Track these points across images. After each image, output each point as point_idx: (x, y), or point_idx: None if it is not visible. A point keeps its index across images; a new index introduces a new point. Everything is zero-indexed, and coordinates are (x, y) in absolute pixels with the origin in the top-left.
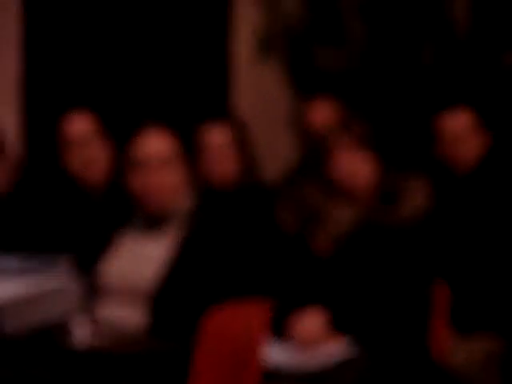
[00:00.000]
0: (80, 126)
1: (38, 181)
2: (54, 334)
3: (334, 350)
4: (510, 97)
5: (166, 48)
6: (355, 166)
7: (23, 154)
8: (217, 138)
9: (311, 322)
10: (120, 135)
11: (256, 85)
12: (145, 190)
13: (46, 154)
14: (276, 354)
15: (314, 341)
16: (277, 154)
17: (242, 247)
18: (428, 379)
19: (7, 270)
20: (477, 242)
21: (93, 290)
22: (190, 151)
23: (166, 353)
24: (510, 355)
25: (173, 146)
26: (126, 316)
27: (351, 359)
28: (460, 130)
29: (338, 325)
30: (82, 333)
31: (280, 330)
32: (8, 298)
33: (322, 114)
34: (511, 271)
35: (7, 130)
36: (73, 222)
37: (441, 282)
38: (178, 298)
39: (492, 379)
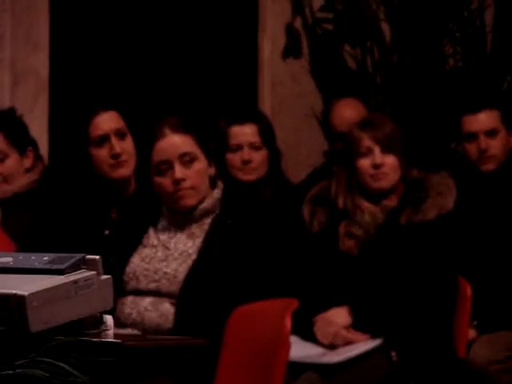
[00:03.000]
0: (105, 123)
1: (65, 178)
2: (85, 326)
3: (358, 348)
4: None
5: (193, 50)
6: (382, 163)
7: (49, 150)
8: (244, 136)
9: (336, 320)
10: (147, 134)
11: (281, 86)
12: (171, 188)
13: (72, 153)
14: (299, 351)
15: (339, 339)
16: (301, 151)
17: (268, 244)
18: (451, 375)
19: (34, 266)
20: (502, 238)
21: (121, 286)
22: (219, 148)
23: (193, 349)
24: None
25: (197, 142)
26: (151, 311)
27: (374, 351)
28: (486, 128)
29: (363, 324)
30: (110, 328)
31: (305, 328)
32: (36, 292)
33: (347, 113)
34: None
35: (35, 128)
36: (100, 218)
37: (465, 279)
38: (204, 295)
39: None
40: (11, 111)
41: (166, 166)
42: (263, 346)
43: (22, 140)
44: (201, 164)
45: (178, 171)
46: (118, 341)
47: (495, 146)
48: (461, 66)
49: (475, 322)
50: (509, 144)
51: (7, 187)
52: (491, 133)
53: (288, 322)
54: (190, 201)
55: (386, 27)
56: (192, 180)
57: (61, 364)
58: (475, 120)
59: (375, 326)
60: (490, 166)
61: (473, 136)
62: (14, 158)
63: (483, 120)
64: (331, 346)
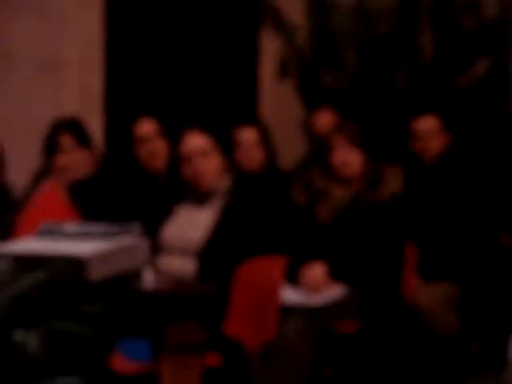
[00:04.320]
0: (146, 127)
1: (117, 168)
2: (128, 279)
3: (332, 292)
4: (464, 108)
5: (211, 71)
6: (349, 157)
7: (105, 147)
8: (248, 137)
9: (315, 271)
10: (175, 134)
11: (276, 99)
12: (193, 175)
13: (124, 148)
14: (289, 295)
15: (318, 285)
16: (290, 148)
17: (266, 216)
18: (400, 316)
19: (95, 233)
20: (439, 213)
21: (156, 247)
22: (228, 146)
23: (211, 294)
24: (464, 299)
25: (210, 142)
26: (180, 266)
27: (345, 298)
28: (429, 130)
29: (336, 274)
30: (148, 279)
31: (293, 277)
32: (95, 253)
33: (324, 120)
34: (465, 236)
35: (94, 131)
36: (143, 198)
37: (411, 243)
38: (219, 253)
39: (450, 317)
40: (75, 119)
41: (191, 158)
42: (262, 291)
43: (85, 139)
44: (216, 158)
45: (199, 162)
46: (155, 289)
47: (434, 143)
48: (408, 86)
49: (420, 275)
50: (447, 141)
51: (77, 176)
52: (431, 133)
53: (280, 274)
54: (207, 185)
55: (352, 57)
56: (208, 169)
57: (112, 305)
58: (420, 123)
59: (345, 277)
60: (432, 160)
61: (417, 135)
62: (80, 153)
63: (425, 123)
64: (312, 292)
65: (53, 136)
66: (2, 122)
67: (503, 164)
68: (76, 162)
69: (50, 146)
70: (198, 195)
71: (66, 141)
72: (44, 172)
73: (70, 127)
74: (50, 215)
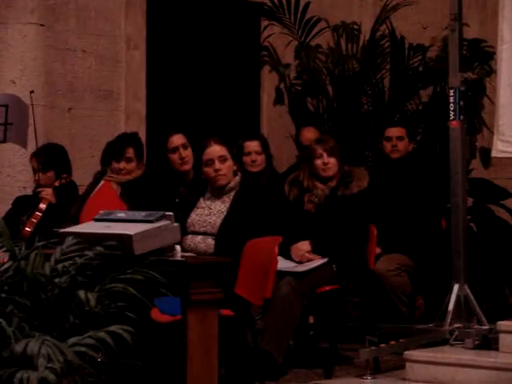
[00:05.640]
0: (177, 140)
1: (156, 171)
2: (164, 251)
3: (315, 262)
4: (412, 125)
5: (225, 99)
6: (327, 162)
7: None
8: (253, 146)
9: (303, 247)
10: (197, 145)
11: (273, 119)
12: (214, 174)
13: (160, 155)
14: (283, 264)
15: (304, 257)
16: (283, 155)
17: (266, 206)
18: (364, 278)
19: (138, 218)
20: (396, 201)
21: (184, 229)
22: (238, 153)
23: (225, 263)
24: (414, 266)
25: (226, 149)
26: (201, 243)
27: (324, 265)
28: (397, 135)
29: (318, 249)
30: (178, 252)
31: (286, 252)
32: (138, 232)
33: (308, 135)
34: (415, 219)
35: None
36: (174, 192)
37: (374, 224)
38: (231, 233)
39: (403, 281)
40: (136, 134)
41: (211, 162)
42: (263, 261)
43: (141, 151)
44: (229, 162)
45: (217, 165)
46: (183, 259)
47: (401, 145)
48: (370, 110)
49: (380, 247)
50: (408, 146)
51: (129, 177)
52: (400, 138)
53: (276, 249)
54: (223, 182)
55: (329, 88)
56: (224, 170)
57: (151, 272)
58: (392, 130)
59: (324, 251)
60: (396, 155)
61: (389, 139)
62: (135, 162)
63: (395, 131)
64: (300, 262)
65: (121, 145)
66: (72, 138)
67: (442, 166)
68: (131, 167)
69: (118, 153)
70: (215, 190)
71: (130, 150)
72: (101, 174)
73: (134, 140)
74: (106, 206)
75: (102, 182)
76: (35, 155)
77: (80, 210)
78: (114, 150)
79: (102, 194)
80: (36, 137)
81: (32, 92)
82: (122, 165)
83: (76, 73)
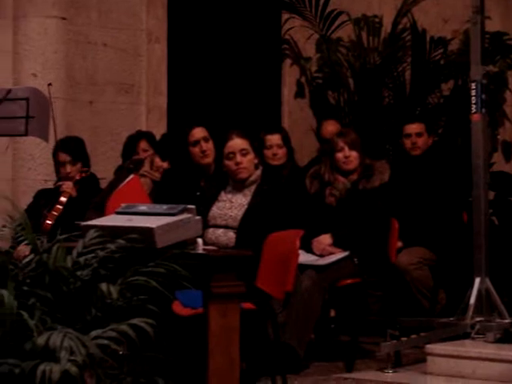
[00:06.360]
0: (198, 133)
1: (180, 164)
2: (186, 244)
3: (335, 256)
4: (437, 117)
5: (247, 93)
6: (349, 155)
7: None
8: (274, 140)
9: (324, 241)
10: (219, 138)
11: (294, 112)
12: (235, 167)
13: (182, 149)
14: (304, 257)
15: (325, 251)
16: (305, 149)
17: (287, 200)
18: (386, 271)
19: (160, 211)
20: (418, 195)
21: (206, 222)
22: (260, 146)
23: (247, 256)
24: (435, 259)
25: (248, 142)
26: (222, 236)
27: (345, 258)
28: (416, 132)
29: (339, 243)
30: (200, 245)
31: (307, 245)
32: (160, 225)
33: (329, 128)
34: (436, 213)
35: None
36: (196, 185)
37: (395, 218)
38: (252, 227)
39: (424, 275)
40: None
41: (232, 155)
42: (284, 255)
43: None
44: (250, 155)
45: (238, 158)
46: (205, 252)
47: (420, 141)
48: (392, 103)
49: (402, 240)
50: (428, 141)
51: (158, 175)
52: (419, 134)
53: (298, 242)
54: (244, 175)
55: (351, 81)
56: (245, 164)
57: (173, 265)
58: (411, 127)
59: (346, 244)
60: (416, 152)
61: (408, 135)
62: (159, 159)
63: (414, 127)
64: (321, 256)
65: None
66: (93, 132)
67: (464, 159)
68: (167, 166)
69: (165, 151)
70: (237, 183)
71: (143, 145)
72: (135, 166)
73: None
74: (134, 201)
75: (132, 176)
76: (62, 148)
77: (106, 199)
78: (163, 148)
79: (131, 188)
80: (55, 130)
81: (50, 85)
82: (166, 164)
83: (97, 66)
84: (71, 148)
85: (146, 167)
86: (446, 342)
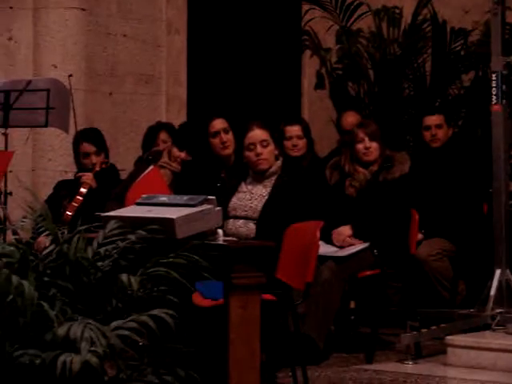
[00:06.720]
0: (218, 124)
1: (200, 156)
2: (206, 235)
3: (355, 247)
4: (457, 108)
5: (267, 84)
6: (369, 146)
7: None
8: (294, 131)
9: (344, 232)
10: (239, 129)
11: (314, 103)
12: (255, 158)
13: (202, 140)
14: (324, 249)
15: (345, 242)
16: (325, 140)
17: (307, 191)
18: (406, 263)
19: (180, 202)
20: (438, 186)
21: (226, 214)
22: (280, 138)
23: (267, 247)
24: (456, 251)
25: (268, 133)
26: (243, 227)
27: (365, 250)
28: (436, 124)
29: (358, 234)
30: (220, 236)
31: (327, 236)
32: (181, 216)
33: (349, 119)
34: (456, 204)
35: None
36: (216, 176)
37: (415, 209)
38: (272, 218)
39: (444, 266)
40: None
41: (252, 146)
42: (304, 246)
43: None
44: (271, 146)
45: (259, 149)
46: (225, 243)
47: (440, 133)
48: (412, 94)
49: (422, 232)
50: (448, 132)
51: (177, 166)
52: (438, 126)
53: (318, 233)
54: (264, 166)
55: (371, 72)
56: (265, 155)
57: (194, 256)
58: (430, 119)
59: (366, 236)
60: (436, 145)
61: (428, 127)
62: (176, 149)
63: (433, 119)
64: (341, 247)
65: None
66: (113, 123)
67: (485, 151)
68: (186, 157)
69: (184, 142)
70: (257, 174)
71: (163, 136)
72: (154, 157)
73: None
74: (152, 190)
75: (152, 167)
76: (87, 139)
77: (126, 191)
78: (180, 138)
79: (151, 179)
80: (75, 121)
81: (70, 76)
82: (183, 154)
83: (117, 57)
84: (95, 139)
85: (165, 158)
86: (467, 334)
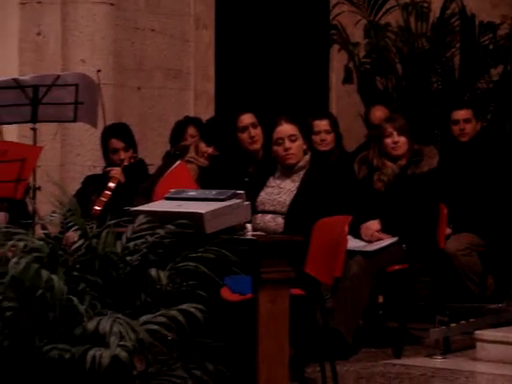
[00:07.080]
0: (246, 119)
1: (228, 150)
2: (235, 230)
3: (384, 242)
4: (486, 102)
5: (296, 78)
6: (397, 141)
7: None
8: (322, 125)
9: (372, 226)
10: (267, 124)
11: (342, 98)
12: (283, 153)
13: (231, 135)
14: (353, 243)
15: (373, 237)
16: (353, 134)
17: (335, 185)
18: (434, 257)
19: (209, 196)
20: (467, 180)
21: (254, 208)
22: (308, 132)
23: (296, 242)
24: (485, 245)
25: (296, 128)
26: (271, 222)
27: (393, 244)
28: (464, 118)
29: (387, 229)
30: (249, 231)
31: (355, 231)
32: (209, 211)
33: (377, 113)
34: (485, 198)
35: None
36: (244, 171)
37: (443, 204)
38: (301, 213)
39: (473, 261)
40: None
41: (281, 141)
42: (333, 240)
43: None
44: (299, 141)
45: (287, 144)
46: (254, 238)
47: (468, 127)
48: (440, 88)
49: (451, 226)
50: (476, 126)
51: (204, 161)
52: (467, 120)
53: (346, 228)
54: (293, 161)
55: (399, 66)
56: (294, 149)
57: (223, 250)
58: (459, 113)
59: (394, 230)
60: (465, 139)
61: (456, 122)
62: (204, 144)
63: (462, 113)
64: (369, 241)
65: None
66: (141, 117)
67: None
68: (213, 152)
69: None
70: (285, 169)
71: (191, 131)
72: (181, 152)
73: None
74: (179, 185)
75: (179, 162)
76: (116, 135)
77: (153, 185)
78: (208, 133)
79: (178, 174)
80: (104, 116)
81: (99, 71)
82: (211, 149)
83: (145, 52)
84: (123, 135)
85: (192, 153)
86: (496, 328)
